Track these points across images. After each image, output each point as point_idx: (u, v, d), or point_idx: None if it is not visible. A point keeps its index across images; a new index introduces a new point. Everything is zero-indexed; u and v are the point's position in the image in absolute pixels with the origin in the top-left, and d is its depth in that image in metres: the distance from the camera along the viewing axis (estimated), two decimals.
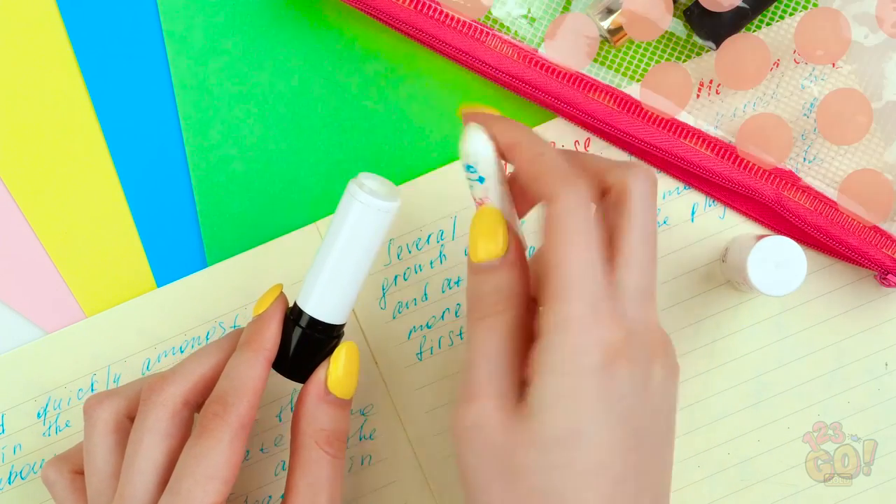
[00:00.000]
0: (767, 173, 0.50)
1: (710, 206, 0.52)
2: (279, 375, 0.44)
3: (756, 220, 0.51)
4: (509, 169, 0.40)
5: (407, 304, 0.52)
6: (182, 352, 0.52)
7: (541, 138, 0.39)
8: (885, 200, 0.49)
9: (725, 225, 0.52)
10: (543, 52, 0.50)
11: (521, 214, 0.42)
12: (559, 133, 0.52)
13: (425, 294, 0.52)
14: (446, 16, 0.50)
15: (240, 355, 0.43)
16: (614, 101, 0.50)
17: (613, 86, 0.51)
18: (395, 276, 0.52)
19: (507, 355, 0.37)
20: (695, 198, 0.52)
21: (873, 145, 0.50)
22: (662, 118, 0.50)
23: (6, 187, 0.53)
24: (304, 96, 0.53)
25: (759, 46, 0.48)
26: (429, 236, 0.52)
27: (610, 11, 0.50)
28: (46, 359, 0.52)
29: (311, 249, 0.52)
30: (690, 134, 0.50)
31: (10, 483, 0.52)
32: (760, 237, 0.46)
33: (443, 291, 0.52)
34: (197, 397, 0.43)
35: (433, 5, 0.50)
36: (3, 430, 0.52)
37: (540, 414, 0.36)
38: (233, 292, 0.52)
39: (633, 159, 0.41)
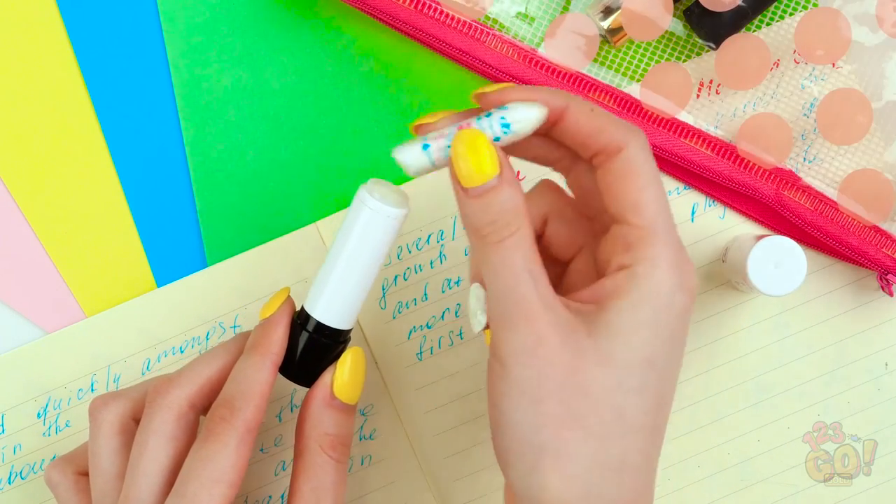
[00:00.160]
0: (767, 173, 0.50)
1: (710, 206, 0.52)
2: (281, 377, 0.44)
3: (756, 220, 0.51)
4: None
5: (407, 304, 0.52)
6: (182, 352, 0.52)
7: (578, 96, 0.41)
8: (885, 200, 0.49)
9: (725, 225, 0.52)
10: (543, 51, 0.50)
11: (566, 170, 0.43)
12: None
13: (425, 294, 0.52)
14: (446, 16, 0.50)
15: (247, 359, 0.43)
16: (614, 101, 0.50)
17: (613, 86, 0.51)
18: (395, 276, 0.52)
19: (540, 269, 0.38)
20: (695, 198, 0.52)
21: (873, 145, 0.50)
22: (662, 118, 0.50)
23: (6, 187, 0.53)
24: (304, 96, 0.53)
25: (759, 46, 0.48)
26: (429, 236, 0.52)
27: (610, 11, 0.50)
28: (46, 359, 0.52)
29: (311, 249, 0.52)
30: (691, 133, 0.50)
31: (10, 483, 0.52)
32: (760, 237, 0.46)
33: (443, 291, 0.52)
34: (203, 400, 0.43)
35: (433, 5, 0.50)
36: (3, 430, 0.52)
37: (618, 337, 0.37)
38: (233, 292, 0.52)
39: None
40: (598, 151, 0.40)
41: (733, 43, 0.48)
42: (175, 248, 0.53)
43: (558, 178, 0.43)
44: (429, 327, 0.52)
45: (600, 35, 0.50)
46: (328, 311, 0.43)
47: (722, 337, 0.52)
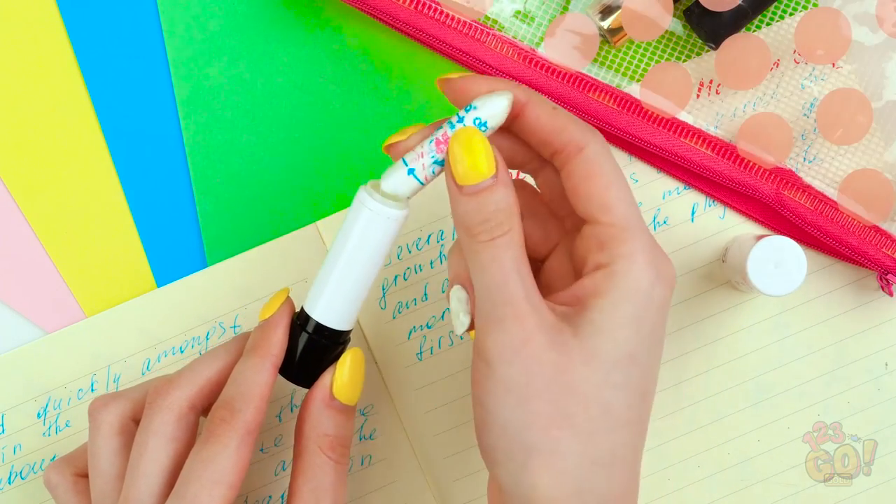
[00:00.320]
0: (768, 172, 0.50)
1: (710, 206, 0.52)
2: (281, 378, 0.44)
3: (756, 220, 0.51)
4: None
5: (407, 304, 0.52)
6: (182, 352, 0.52)
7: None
8: (885, 200, 0.49)
9: (725, 225, 0.52)
10: (543, 51, 0.50)
11: (529, 170, 0.44)
12: None
13: (425, 294, 0.52)
14: (446, 16, 0.50)
15: (246, 361, 0.43)
16: (614, 101, 0.50)
17: (613, 86, 0.51)
18: (395, 276, 0.52)
19: (528, 271, 0.39)
20: (695, 198, 0.52)
21: (873, 145, 0.50)
22: (663, 117, 0.50)
23: (6, 187, 0.53)
24: (303, 96, 0.53)
25: (759, 46, 0.48)
26: (429, 236, 0.52)
27: (610, 11, 0.50)
28: (46, 359, 0.52)
29: (311, 249, 0.52)
30: (691, 133, 0.50)
31: (10, 483, 0.52)
32: (760, 237, 0.46)
33: (443, 291, 0.52)
34: (203, 401, 0.43)
35: (433, 5, 0.50)
36: (3, 430, 0.52)
37: (602, 335, 0.38)
38: (233, 292, 0.52)
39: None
40: (558, 150, 0.40)
41: (733, 43, 0.48)
42: (175, 248, 0.53)
43: (529, 180, 0.44)
44: (429, 327, 0.52)
45: (600, 35, 0.50)
46: (328, 311, 0.43)
47: (722, 337, 0.52)
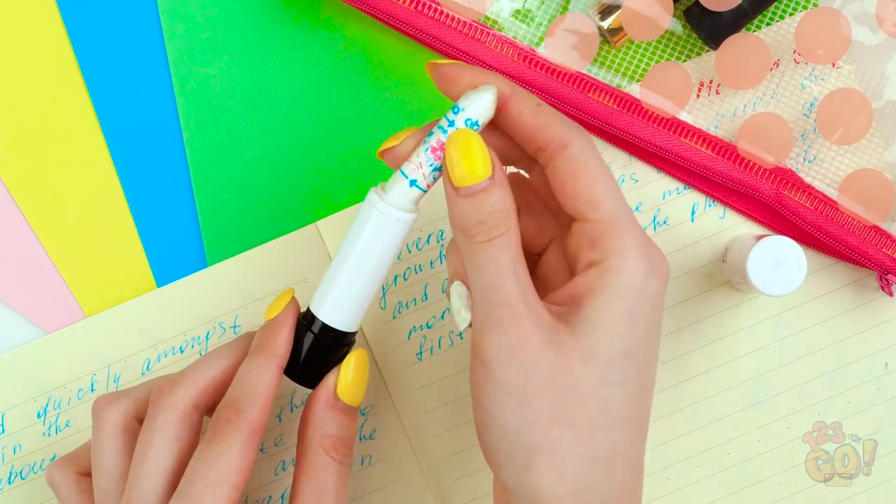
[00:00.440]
0: (768, 172, 0.50)
1: (710, 206, 0.52)
2: (284, 378, 0.44)
3: (756, 220, 0.51)
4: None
5: (407, 304, 0.52)
6: (182, 352, 0.52)
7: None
8: (885, 200, 0.49)
9: (725, 225, 0.52)
10: (543, 51, 0.50)
11: (516, 163, 0.44)
12: None
13: (425, 294, 0.52)
14: (446, 16, 0.50)
15: (252, 361, 0.43)
16: (614, 101, 0.50)
17: (613, 86, 0.51)
18: (395, 276, 0.52)
19: (525, 272, 0.39)
20: (695, 198, 0.52)
21: (873, 145, 0.50)
22: (663, 117, 0.50)
23: (6, 187, 0.53)
24: (304, 96, 0.53)
25: (759, 46, 0.48)
26: (429, 236, 0.52)
27: (610, 11, 0.50)
28: (46, 359, 0.52)
29: (311, 249, 0.52)
30: (691, 133, 0.50)
31: (10, 483, 0.52)
32: (760, 237, 0.46)
33: (442, 291, 0.52)
34: (207, 401, 0.43)
35: (433, 5, 0.50)
36: (3, 430, 0.52)
37: (598, 332, 0.38)
38: (233, 292, 0.52)
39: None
40: (541, 147, 0.40)
41: (733, 43, 0.48)
42: (175, 248, 0.53)
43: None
44: (429, 327, 0.52)
45: (600, 35, 0.50)
46: (334, 312, 0.43)
47: (722, 337, 0.52)
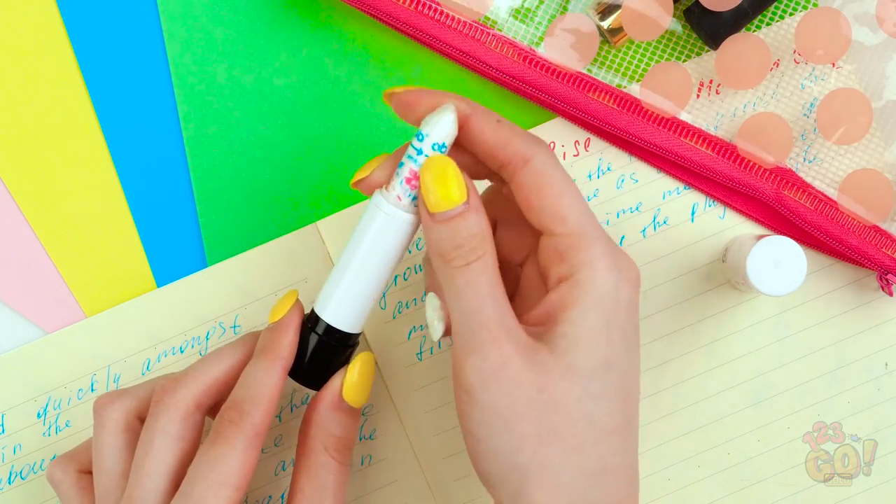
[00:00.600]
0: (768, 172, 0.50)
1: (710, 206, 0.52)
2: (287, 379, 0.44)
3: (756, 219, 0.51)
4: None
5: (407, 304, 0.52)
6: (182, 352, 0.52)
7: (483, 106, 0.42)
8: (885, 200, 0.49)
9: (725, 225, 0.52)
10: (543, 51, 0.50)
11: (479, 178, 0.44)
12: (559, 133, 0.52)
13: (425, 294, 0.52)
14: (446, 16, 0.50)
15: (257, 363, 0.43)
16: (614, 101, 0.50)
17: (613, 86, 0.51)
18: (395, 276, 0.52)
19: (503, 295, 0.39)
20: (695, 198, 0.52)
21: (873, 145, 0.50)
22: (663, 117, 0.50)
23: (6, 187, 0.53)
24: (304, 96, 0.53)
25: (759, 46, 0.48)
26: None
27: (610, 11, 0.50)
28: (46, 359, 0.52)
29: (311, 249, 0.52)
30: (691, 133, 0.50)
31: (10, 483, 0.52)
32: (760, 237, 0.46)
33: (423, 300, 0.52)
34: (209, 401, 0.43)
35: (433, 5, 0.50)
36: (3, 430, 0.52)
37: (576, 346, 0.38)
38: (233, 292, 0.52)
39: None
40: (504, 163, 0.41)
41: (733, 43, 0.48)
42: (175, 248, 0.53)
43: None
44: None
45: (600, 35, 0.50)
46: (338, 314, 0.43)
47: (722, 337, 0.52)
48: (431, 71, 0.52)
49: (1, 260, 0.53)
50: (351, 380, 0.43)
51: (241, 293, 0.52)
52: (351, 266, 0.42)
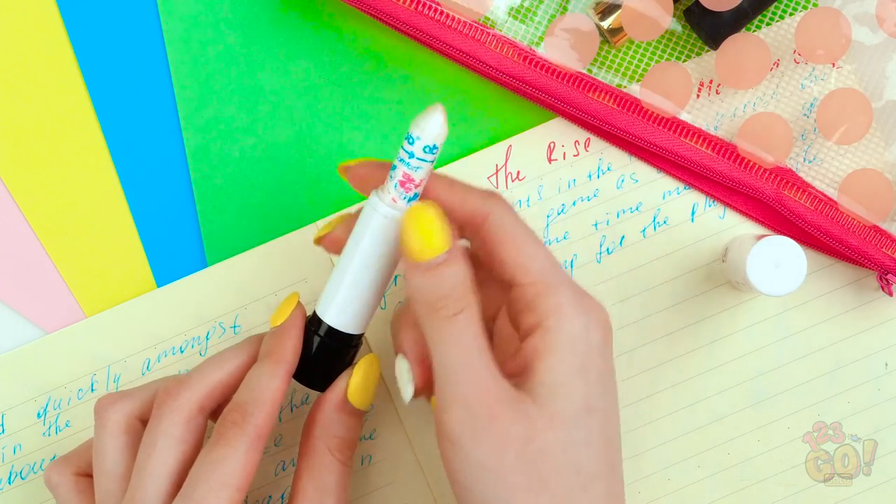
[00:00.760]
0: (768, 172, 0.50)
1: (710, 206, 0.52)
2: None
3: (756, 219, 0.51)
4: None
5: (400, 304, 0.52)
6: (182, 352, 0.52)
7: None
8: (885, 200, 0.49)
9: (725, 225, 0.52)
10: (543, 51, 0.50)
11: None
12: (559, 133, 0.52)
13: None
14: (446, 16, 0.50)
15: (260, 366, 0.43)
16: (614, 101, 0.50)
17: (613, 86, 0.51)
18: (396, 276, 0.52)
19: (488, 346, 0.39)
20: (695, 198, 0.52)
21: (873, 145, 0.50)
22: (663, 117, 0.50)
23: (6, 187, 0.53)
24: (304, 96, 0.53)
25: (759, 46, 0.48)
26: None
27: (610, 11, 0.50)
28: (46, 359, 0.52)
29: (311, 249, 0.52)
30: (691, 133, 0.50)
31: (10, 483, 0.52)
32: (760, 237, 0.46)
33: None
34: (212, 403, 0.43)
35: (433, 5, 0.50)
36: (3, 430, 0.52)
37: (557, 394, 0.38)
38: (233, 292, 0.52)
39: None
40: (464, 223, 0.41)
41: (733, 43, 0.48)
42: (175, 248, 0.53)
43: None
44: None
45: (600, 35, 0.50)
46: (340, 315, 0.43)
47: (722, 337, 0.52)
48: (431, 71, 0.52)
49: (1, 260, 0.53)
50: (356, 382, 0.44)
51: (241, 293, 0.52)
52: (351, 268, 0.42)
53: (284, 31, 0.53)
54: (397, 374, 0.42)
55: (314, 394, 0.45)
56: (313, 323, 0.43)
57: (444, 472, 0.51)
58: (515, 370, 0.40)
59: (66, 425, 0.52)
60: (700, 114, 0.51)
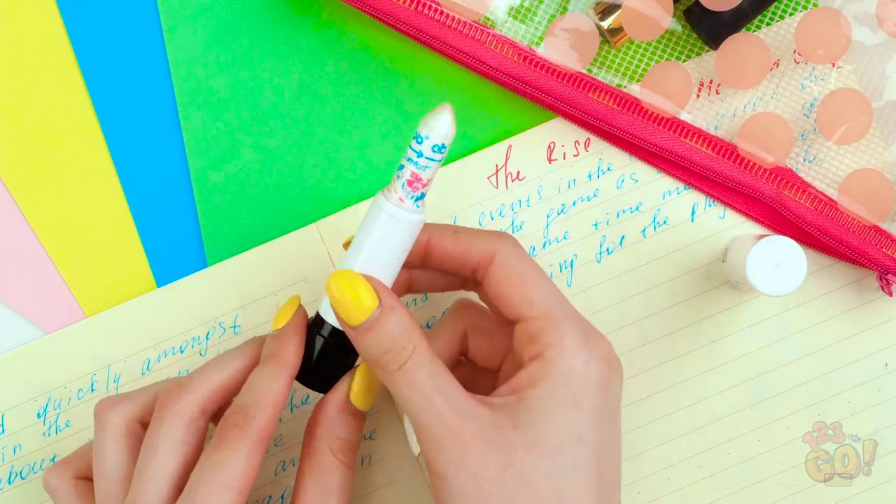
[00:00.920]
0: (768, 172, 0.50)
1: (710, 206, 0.52)
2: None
3: (756, 220, 0.51)
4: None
5: (407, 304, 0.52)
6: (182, 352, 0.52)
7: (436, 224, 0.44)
8: (885, 200, 0.49)
9: (725, 225, 0.52)
10: (543, 51, 0.50)
11: (444, 288, 0.46)
12: (559, 133, 0.52)
13: (425, 294, 0.52)
14: (447, 16, 0.50)
15: (262, 369, 0.43)
16: (614, 101, 0.50)
17: (613, 86, 0.51)
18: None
19: (448, 380, 0.40)
20: (695, 198, 0.52)
21: (873, 145, 0.50)
22: (663, 117, 0.50)
23: (6, 187, 0.53)
24: (304, 96, 0.53)
25: (759, 46, 0.48)
26: None
27: (610, 11, 0.50)
28: (46, 359, 0.52)
29: (311, 249, 0.52)
30: (691, 133, 0.50)
31: (10, 483, 0.52)
32: (760, 237, 0.46)
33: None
34: (213, 406, 0.43)
35: (433, 5, 0.50)
36: (3, 430, 0.52)
37: (542, 421, 0.39)
38: (233, 292, 0.52)
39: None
40: (475, 267, 0.42)
41: (733, 43, 0.48)
42: (175, 248, 0.53)
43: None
44: (429, 327, 0.52)
45: (600, 35, 0.50)
46: None
47: (722, 337, 0.52)
48: (431, 71, 0.52)
49: (1, 260, 0.53)
50: (360, 384, 0.44)
51: (241, 293, 0.52)
52: (355, 268, 0.42)
53: (284, 31, 0.53)
54: (406, 426, 0.43)
55: (315, 394, 0.45)
56: (316, 324, 0.43)
57: None
58: (504, 393, 0.40)
59: (66, 425, 0.52)
60: (700, 114, 0.51)
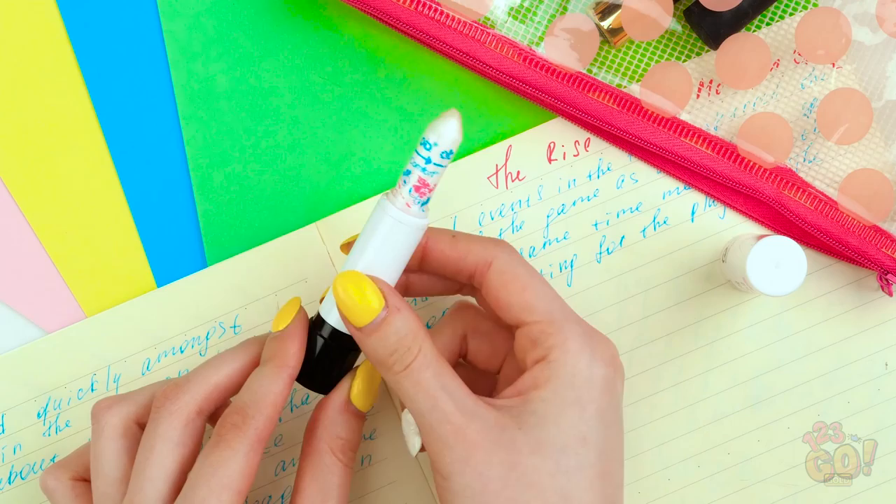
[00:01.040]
0: (768, 172, 0.50)
1: (710, 206, 0.52)
2: None
3: (756, 220, 0.51)
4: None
5: None
6: (182, 352, 0.52)
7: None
8: (885, 200, 0.49)
9: (725, 225, 0.52)
10: (542, 51, 0.50)
11: (443, 292, 0.47)
12: (559, 133, 0.52)
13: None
14: (446, 16, 0.50)
15: (262, 369, 0.43)
16: (614, 101, 0.50)
17: (613, 86, 0.51)
18: None
19: (453, 380, 0.40)
20: (695, 198, 0.52)
21: (873, 145, 0.50)
22: (663, 117, 0.50)
23: (6, 187, 0.53)
24: (304, 96, 0.53)
25: (759, 46, 0.48)
26: None
27: (610, 11, 0.50)
28: (46, 359, 0.52)
29: (311, 249, 0.52)
30: (691, 133, 0.50)
31: (10, 483, 0.52)
32: (760, 237, 0.46)
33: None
34: (211, 406, 0.43)
35: (433, 5, 0.50)
36: (3, 430, 0.52)
37: (546, 422, 0.39)
38: (233, 292, 0.52)
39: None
40: (471, 273, 0.43)
41: (733, 43, 0.48)
42: (175, 248, 0.53)
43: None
44: (428, 327, 0.52)
45: (600, 35, 0.50)
46: None
47: (722, 337, 0.52)
48: (431, 71, 0.52)
49: (1, 260, 0.53)
50: (360, 384, 0.44)
51: (241, 293, 0.52)
52: (357, 270, 0.42)
53: (285, 32, 0.53)
54: (403, 427, 0.43)
55: (315, 394, 0.45)
56: (316, 325, 0.43)
57: None
58: (509, 395, 0.41)
59: (66, 425, 0.52)
60: (700, 114, 0.51)
